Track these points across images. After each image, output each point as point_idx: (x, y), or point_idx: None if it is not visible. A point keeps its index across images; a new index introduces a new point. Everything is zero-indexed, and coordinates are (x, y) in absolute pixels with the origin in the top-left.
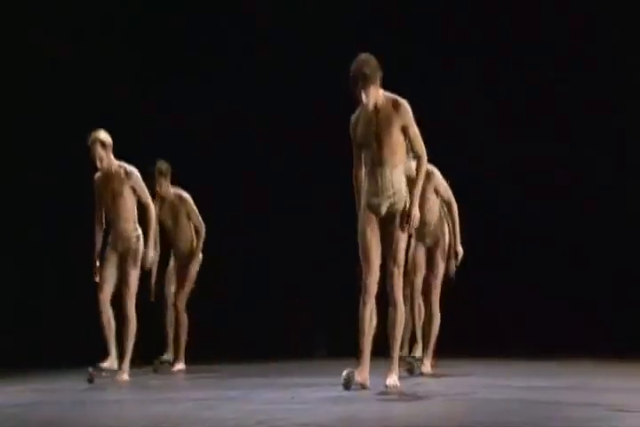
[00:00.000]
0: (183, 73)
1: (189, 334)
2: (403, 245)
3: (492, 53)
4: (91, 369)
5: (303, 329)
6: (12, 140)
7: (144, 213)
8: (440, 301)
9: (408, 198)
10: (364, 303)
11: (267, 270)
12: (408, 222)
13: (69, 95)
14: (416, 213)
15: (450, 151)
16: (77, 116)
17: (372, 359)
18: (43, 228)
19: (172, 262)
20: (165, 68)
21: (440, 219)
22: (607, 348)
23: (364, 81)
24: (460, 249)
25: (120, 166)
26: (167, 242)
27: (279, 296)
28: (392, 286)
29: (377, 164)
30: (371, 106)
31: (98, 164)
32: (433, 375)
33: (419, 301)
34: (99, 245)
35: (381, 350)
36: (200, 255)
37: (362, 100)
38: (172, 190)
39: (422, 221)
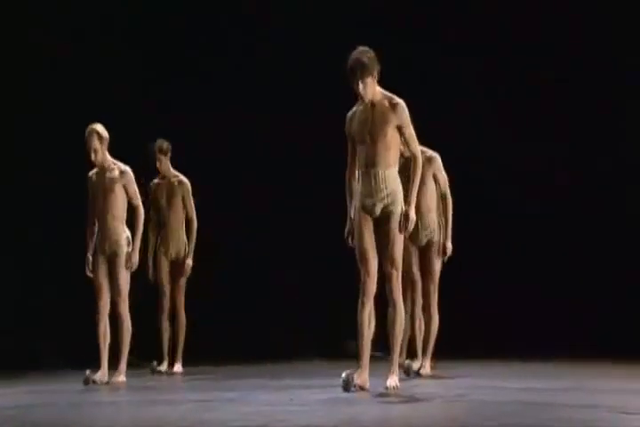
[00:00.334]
0: (183, 73)
1: (187, 335)
2: (399, 245)
3: (492, 53)
4: (88, 372)
5: (303, 329)
6: (12, 140)
7: (133, 215)
8: (438, 302)
9: (403, 199)
10: (363, 305)
11: (267, 270)
12: (405, 225)
13: (69, 95)
14: (412, 215)
15: (450, 151)
16: (77, 117)
17: (371, 361)
18: (43, 228)
19: (159, 241)
20: (165, 68)
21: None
22: (607, 349)
23: (362, 70)
24: (450, 246)
25: (115, 164)
26: (157, 221)
27: (279, 296)
28: (391, 288)
29: (370, 164)
30: (368, 98)
31: (92, 156)
32: (432, 377)
33: (419, 315)
34: (91, 251)
35: (381, 350)
36: (193, 246)
37: (359, 93)
38: (174, 172)
39: (418, 212)
